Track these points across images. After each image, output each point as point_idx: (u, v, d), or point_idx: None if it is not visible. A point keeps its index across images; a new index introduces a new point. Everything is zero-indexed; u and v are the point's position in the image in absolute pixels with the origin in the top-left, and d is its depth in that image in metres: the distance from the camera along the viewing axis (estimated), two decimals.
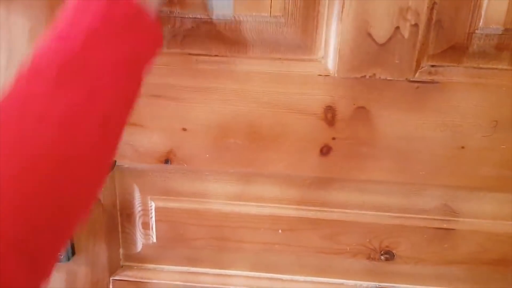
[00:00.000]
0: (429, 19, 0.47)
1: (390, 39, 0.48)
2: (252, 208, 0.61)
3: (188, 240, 0.64)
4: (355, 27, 0.48)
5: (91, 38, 0.33)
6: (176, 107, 0.54)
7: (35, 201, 0.29)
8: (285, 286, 0.66)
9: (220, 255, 0.65)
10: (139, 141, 0.56)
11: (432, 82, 0.50)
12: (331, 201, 0.60)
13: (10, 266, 0.27)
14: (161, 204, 0.63)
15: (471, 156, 0.54)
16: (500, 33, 0.47)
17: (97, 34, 0.33)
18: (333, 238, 0.62)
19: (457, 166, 0.55)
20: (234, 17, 0.48)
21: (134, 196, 0.63)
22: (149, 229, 0.65)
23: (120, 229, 0.66)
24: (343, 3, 0.47)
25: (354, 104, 0.52)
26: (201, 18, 0.48)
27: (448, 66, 0.50)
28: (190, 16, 0.48)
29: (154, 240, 0.65)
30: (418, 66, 0.50)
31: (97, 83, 0.32)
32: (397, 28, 0.47)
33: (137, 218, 0.64)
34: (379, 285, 0.65)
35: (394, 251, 0.63)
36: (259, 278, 0.66)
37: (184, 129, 0.55)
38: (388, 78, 0.50)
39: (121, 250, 0.67)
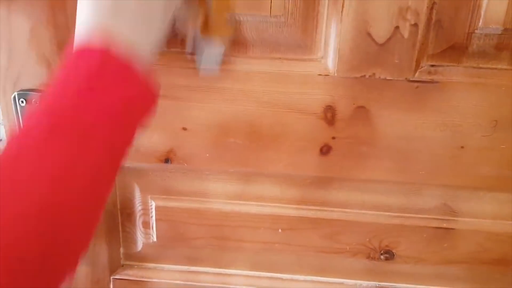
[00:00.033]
0: (429, 19, 0.47)
1: (389, 39, 0.48)
2: (252, 208, 0.61)
3: (188, 239, 0.64)
4: (355, 27, 0.48)
5: (83, 96, 0.33)
6: (176, 106, 0.54)
7: (27, 252, 0.29)
8: (285, 286, 0.66)
9: (220, 254, 0.65)
10: (140, 140, 0.57)
11: (431, 82, 0.50)
12: (331, 201, 0.60)
13: None
14: (161, 203, 0.63)
15: (471, 156, 0.54)
16: (500, 33, 0.47)
17: (88, 92, 0.33)
18: (333, 237, 0.62)
19: (457, 165, 0.55)
20: (235, 16, 0.48)
21: (134, 195, 0.63)
22: (149, 228, 0.65)
23: (120, 228, 0.66)
24: (343, 3, 0.47)
25: (354, 104, 0.52)
26: None
27: (447, 66, 0.50)
28: None
29: (155, 239, 0.65)
30: (417, 66, 0.50)
31: (89, 139, 0.33)
32: (397, 28, 0.47)
33: (138, 217, 0.65)
34: (379, 284, 0.65)
35: (394, 251, 0.63)
36: (259, 277, 0.66)
37: (184, 129, 0.55)
38: (388, 78, 0.50)
39: (121, 249, 0.67)
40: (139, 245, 0.66)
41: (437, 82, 0.50)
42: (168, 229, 0.64)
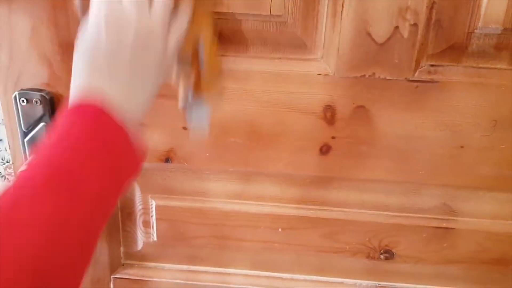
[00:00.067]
0: (429, 19, 0.47)
1: (389, 38, 0.48)
2: (252, 207, 0.61)
3: (188, 238, 0.65)
4: (355, 27, 0.48)
5: (76, 152, 0.35)
6: (176, 106, 0.54)
7: None
8: (285, 285, 0.66)
9: (220, 253, 0.65)
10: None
11: (431, 81, 0.50)
12: (330, 200, 0.60)
13: None
14: (161, 202, 0.63)
15: (471, 155, 0.54)
16: (499, 32, 0.47)
17: (82, 148, 0.36)
18: (333, 237, 0.62)
19: (457, 165, 0.55)
20: (235, 16, 0.48)
21: (134, 195, 0.63)
22: (149, 228, 0.65)
23: (121, 228, 0.66)
24: (343, 3, 0.47)
25: (353, 104, 0.52)
26: None
27: (447, 65, 0.50)
28: None
29: (155, 239, 0.65)
30: (417, 65, 0.50)
31: (81, 194, 0.35)
32: (397, 27, 0.47)
33: (138, 217, 0.65)
34: (378, 284, 0.65)
35: (393, 250, 0.63)
36: (259, 276, 0.66)
37: (185, 128, 0.55)
38: (388, 78, 0.50)
39: (122, 249, 0.67)
40: (140, 244, 0.67)
41: (436, 82, 0.50)
42: (168, 228, 0.64)
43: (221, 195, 0.61)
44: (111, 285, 0.67)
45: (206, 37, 0.47)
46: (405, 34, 0.48)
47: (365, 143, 0.54)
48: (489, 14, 0.46)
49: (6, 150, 0.71)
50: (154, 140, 0.56)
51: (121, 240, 0.67)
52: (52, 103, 0.53)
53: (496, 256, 0.62)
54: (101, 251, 0.64)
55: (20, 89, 0.53)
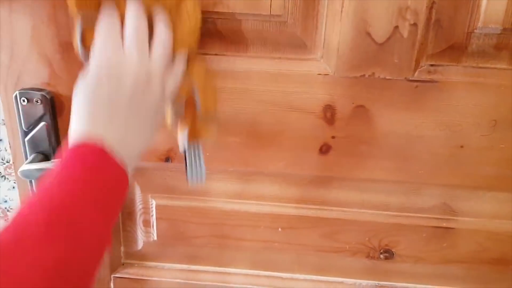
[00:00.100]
0: (428, 19, 0.47)
1: (389, 38, 0.48)
2: (252, 207, 0.62)
3: (188, 238, 0.65)
4: (355, 27, 0.48)
5: (76, 190, 0.37)
6: None
7: None
8: (285, 284, 0.66)
9: (220, 253, 0.66)
10: None
11: (431, 81, 0.50)
12: (330, 200, 0.60)
13: None
14: (161, 202, 0.63)
15: (470, 155, 0.54)
16: (499, 32, 0.47)
17: (82, 186, 0.37)
18: (333, 236, 0.63)
19: (456, 165, 0.55)
20: (235, 16, 0.48)
21: (135, 194, 0.63)
22: (150, 227, 0.65)
23: (121, 227, 0.66)
24: (343, 3, 0.47)
25: (353, 103, 0.52)
26: (201, 17, 0.49)
27: (447, 65, 0.50)
28: None
29: (155, 238, 0.65)
30: (417, 65, 0.50)
31: (82, 232, 0.36)
32: (396, 27, 0.47)
33: (138, 216, 0.65)
34: (378, 283, 0.65)
35: (393, 250, 0.63)
36: (258, 276, 0.66)
37: None
38: (387, 78, 0.50)
39: (122, 248, 0.67)
40: (140, 244, 0.67)
41: (436, 81, 0.50)
42: (169, 227, 0.64)
43: (221, 194, 0.61)
44: (111, 284, 0.67)
45: (200, 83, 0.48)
46: (405, 34, 0.48)
47: (365, 142, 0.54)
48: (488, 14, 0.46)
49: (6, 150, 0.71)
50: (154, 139, 0.56)
51: (122, 239, 0.67)
52: (52, 103, 0.53)
53: (496, 256, 0.62)
54: None
55: (20, 89, 0.53)
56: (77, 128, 0.40)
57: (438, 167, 0.55)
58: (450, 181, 0.56)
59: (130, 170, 0.41)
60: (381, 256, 0.63)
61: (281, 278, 0.66)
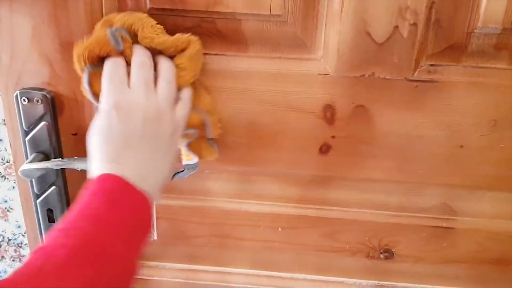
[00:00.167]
0: (428, 19, 0.47)
1: (389, 38, 0.48)
2: (252, 206, 0.62)
3: (188, 237, 0.65)
4: (354, 27, 0.48)
5: (100, 219, 0.38)
6: None
7: None
8: (285, 284, 0.66)
9: (221, 252, 0.66)
10: None
11: (431, 81, 0.50)
12: (330, 200, 0.60)
13: None
14: (162, 201, 0.63)
15: (470, 155, 0.54)
16: (499, 32, 0.47)
17: (105, 215, 0.38)
18: (333, 236, 0.63)
19: (456, 165, 0.55)
20: (235, 15, 0.48)
21: None
22: None
23: None
24: (343, 3, 0.47)
25: (353, 103, 0.52)
26: (201, 17, 0.49)
27: (447, 65, 0.50)
28: (191, 15, 0.49)
29: (155, 238, 0.65)
30: (417, 65, 0.50)
31: (106, 257, 0.36)
32: (396, 27, 0.47)
33: None
34: (378, 283, 0.65)
35: (393, 250, 0.63)
36: (258, 275, 0.66)
37: None
38: (387, 77, 0.50)
39: None
40: None
41: (436, 81, 0.50)
42: (169, 227, 0.64)
43: (221, 194, 0.61)
44: None
45: (209, 111, 0.51)
46: (405, 33, 0.48)
47: (364, 142, 0.54)
48: (488, 14, 0.46)
49: (6, 150, 0.71)
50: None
51: None
52: (53, 102, 0.54)
53: (496, 255, 0.62)
54: None
55: (21, 88, 0.53)
56: (96, 168, 0.41)
57: (438, 167, 0.55)
58: (450, 181, 0.56)
59: (152, 201, 0.42)
60: (381, 256, 0.63)
61: (281, 278, 0.66)
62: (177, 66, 0.47)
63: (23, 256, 0.83)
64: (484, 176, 0.55)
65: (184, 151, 0.53)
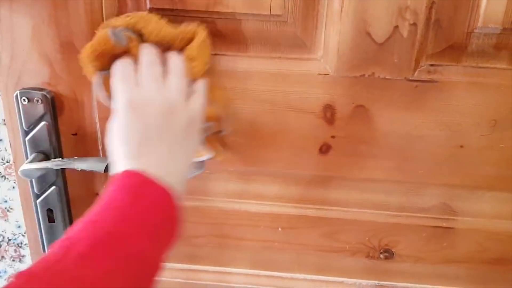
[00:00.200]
0: (428, 19, 0.47)
1: (389, 38, 0.48)
2: (252, 206, 0.62)
3: (188, 237, 0.65)
4: (354, 27, 0.48)
5: (123, 212, 0.38)
6: None
7: None
8: (285, 284, 0.66)
9: (220, 252, 0.66)
10: None
11: (431, 81, 0.50)
12: (330, 199, 0.60)
13: None
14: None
15: (470, 155, 0.54)
16: (499, 32, 0.47)
17: (128, 208, 0.39)
18: (333, 236, 0.63)
19: (456, 165, 0.55)
20: (235, 15, 0.48)
21: None
22: None
23: None
24: (342, 3, 0.47)
25: (353, 103, 0.52)
26: (201, 17, 0.49)
27: (447, 65, 0.50)
28: (191, 15, 0.49)
29: None
30: (417, 65, 0.50)
31: (127, 250, 0.36)
32: (396, 27, 0.47)
33: None
34: (378, 283, 0.65)
35: (393, 250, 0.63)
36: (258, 275, 0.66)
37: None
38: (387, 77, 0.50)
39: None
40: None
41: (436, 81, 0.50)
42: None
43: (221, 194, 0.61)
44: None
45: (223, 103, 0.52)
46: (405, 33, 0.48)
47: (364, 142, 0.54)
48: (488, 14, 0.46)
49: (6, 150, 0.71)
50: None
51: None
52: (53, 102, 0.54)
53: (496, 255, 0.62)
54: None
55: (21, 88, 0.53)
56: (118, 165, 0.42)
57: (438, 167, 0.55)
58: (450, 181, 0.56)
59: (177, 195, 0.42)
60: (381, 256, 0.63)
61: (281, 278, 0.66)
62: (186, 58, 0.46)
63: (23, 256, 0.83)
64: (484, 176, 0.55)
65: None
